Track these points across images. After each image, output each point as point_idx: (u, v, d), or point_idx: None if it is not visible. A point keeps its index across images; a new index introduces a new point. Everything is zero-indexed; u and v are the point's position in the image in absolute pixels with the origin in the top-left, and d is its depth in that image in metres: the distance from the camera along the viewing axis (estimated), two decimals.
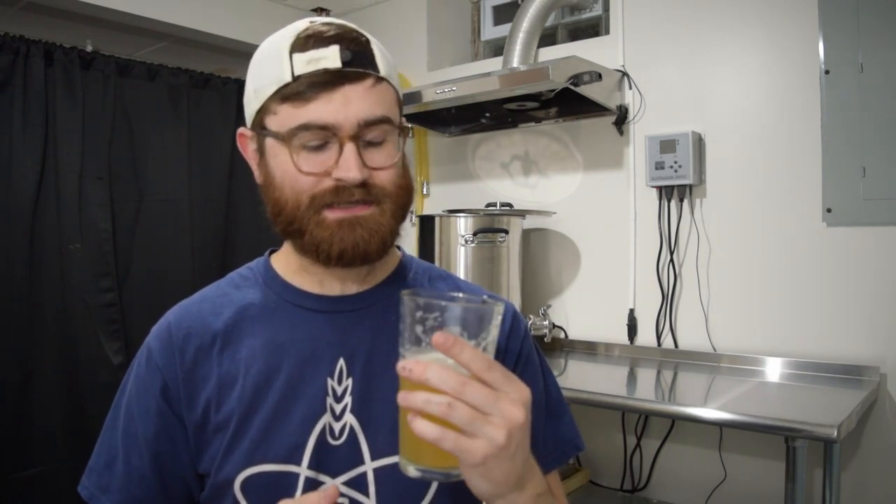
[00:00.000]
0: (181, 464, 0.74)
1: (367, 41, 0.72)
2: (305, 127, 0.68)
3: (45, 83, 2.13)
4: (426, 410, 0.53)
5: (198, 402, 0.73)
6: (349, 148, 0.68)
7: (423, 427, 0.53)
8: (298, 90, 0.68)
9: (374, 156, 0.71)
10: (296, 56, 0.69)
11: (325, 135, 0.68)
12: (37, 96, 2.11)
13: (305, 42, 0.69)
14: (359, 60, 0.69)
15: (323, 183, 0.69)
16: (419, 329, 0.56)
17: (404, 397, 0.54)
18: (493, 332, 0.58)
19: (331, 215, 0.70)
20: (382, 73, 0.72)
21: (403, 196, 0.74)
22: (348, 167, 0.68)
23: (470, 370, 0.54)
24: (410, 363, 0.54)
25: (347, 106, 0.68)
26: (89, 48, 2.27)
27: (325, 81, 0.68)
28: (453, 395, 0.53)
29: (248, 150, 0.78)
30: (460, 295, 0.59)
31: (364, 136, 0.69)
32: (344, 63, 0.68)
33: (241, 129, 0.78)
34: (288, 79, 0.69)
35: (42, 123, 2.13)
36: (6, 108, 2.07)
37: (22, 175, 2.09)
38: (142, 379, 0.76)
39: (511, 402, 0.55)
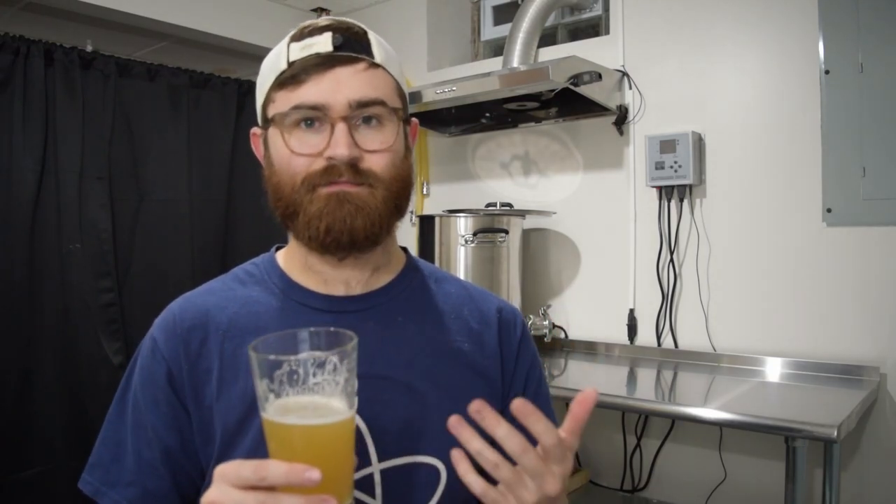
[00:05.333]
0: (189, 456, 0.74)
1: (364, 32, 0.74)
2: (297, 108, 0.70)
3: (45, 83, 2.13)
4: (479, 458, 0.57)
5: (203, 394, 0.73)
6: (340, 127, 0.69)
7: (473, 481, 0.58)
8: (292, 74, 0.70)
9: (368, 138, 0.71)
10: (292, 45, 0.72)
11: (316, 115, 0.69)
12: (37, 96, 2.11)
13: (301, 32, 0.72)
14: (351, 45, 0.71)
15: (316, 163, 0.70)
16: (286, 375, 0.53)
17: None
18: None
19: (323, 190, 0.70)
20: (378, 59, 0.72)
21: (396, 184, 0.73)
22: (338, 145, 0.68)
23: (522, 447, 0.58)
24: (488, 412, 0.56)
25: (338, 86, 0.69)
26: (89, 48, 2.27)
27: (316, 64, 0.70)
28: (514, 454, 0.57)
29: (259, 148, 0.78)
30: (311, 329, 0.58)
31: (356, 117, 0.70)
32: (335, 47, 0.70)
33: (252, 129, 0.79)
34: (284, 66, 0.71)
35: (42, 123, 2.13)
36: (6, 108, 2.06)
37: (22, 175, 2.09)
38: (147, 370, 0.75)
39: (552, 476, 0.58)
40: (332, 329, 0.57)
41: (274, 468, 0.52)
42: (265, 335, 0.56)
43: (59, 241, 2.16)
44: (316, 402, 0.53)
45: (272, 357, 0.53)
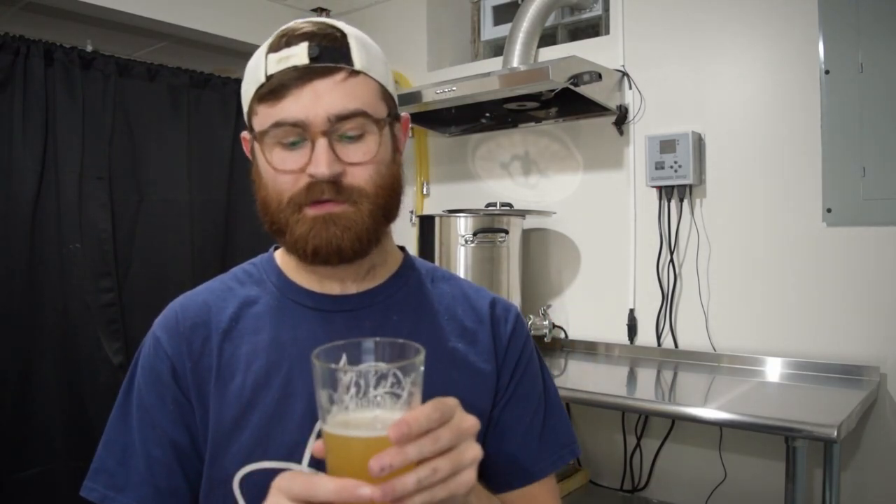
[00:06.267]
0: (198, 452, 0.74)
1: (344, 35, 0.71)
2: (278, 125, 0.69)
3: (45, 83, 2.13)
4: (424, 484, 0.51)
5: (205, 392, 0.73)
6: (320, 143, 0.68)
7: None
8: (270, 89, 0.69)
9: (351, 151, 0.70)
10: (270, 56, 0.70)
11: (297, 132, 0.69)
12: (37, 96, 2.11)
13: (279, 42, 0.70)
14: (329, 55, 0.69)
15: (300, 181, 0.69)
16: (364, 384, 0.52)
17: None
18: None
19: (309, 212, 0.70)
20: (358, 66, 0.70)
21: (383, 196, 0.72)
22: (318, 163, 0.68)
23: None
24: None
25: (317, 101, 0.68)
26: (89, 48, 2.27)
27: (293, 78, 0.68)
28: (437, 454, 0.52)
29: (249, 152, 0.78)
30: (376, 340, 0.56)
31: (337, 130, 0.69)
32: (312, 58, 0.68)
33: (242, 133, 0.79)
34: (262, 79, 0.70)
35: (42, 123, 2.13)
36: (6, 108, 2.06)
37: (22, 175, 2.09)
38: (151, 368, 0.75)
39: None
40: (399, 341, 0.56)
41: (323, 485, 0.50)
42: (331, 343, 0.54)
43: (59, 241, 2.16)
44: (377, 415, 0.52)
45: (333, 366, 0.52)
